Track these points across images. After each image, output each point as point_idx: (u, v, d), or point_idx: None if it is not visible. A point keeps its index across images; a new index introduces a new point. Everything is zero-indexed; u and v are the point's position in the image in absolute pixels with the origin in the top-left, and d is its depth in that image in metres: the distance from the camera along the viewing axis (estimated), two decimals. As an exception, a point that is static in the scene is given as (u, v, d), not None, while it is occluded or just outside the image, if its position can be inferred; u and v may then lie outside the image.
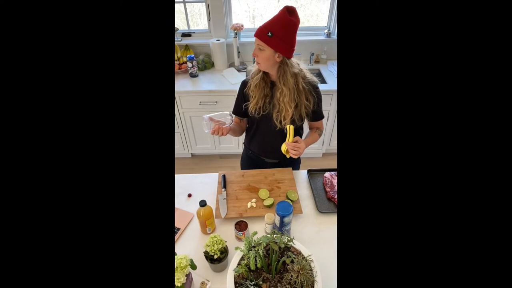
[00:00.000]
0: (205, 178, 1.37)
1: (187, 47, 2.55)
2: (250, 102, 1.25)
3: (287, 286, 0.81)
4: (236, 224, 1.08)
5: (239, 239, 1.08)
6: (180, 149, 2.67)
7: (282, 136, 1.22)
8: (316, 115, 1.29)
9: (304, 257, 0.86)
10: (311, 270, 0.83)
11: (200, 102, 2.32)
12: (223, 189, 1.26)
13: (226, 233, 1.10)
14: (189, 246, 1.08)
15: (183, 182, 1.34)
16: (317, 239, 1.10)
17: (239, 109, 1.32)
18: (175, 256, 0.85)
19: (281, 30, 1.07)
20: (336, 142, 2.58)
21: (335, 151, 2.66)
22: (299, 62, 1.21)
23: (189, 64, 2.37)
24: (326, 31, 2.59)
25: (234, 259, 0.89)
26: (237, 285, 0.83)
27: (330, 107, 2.39)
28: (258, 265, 0.86)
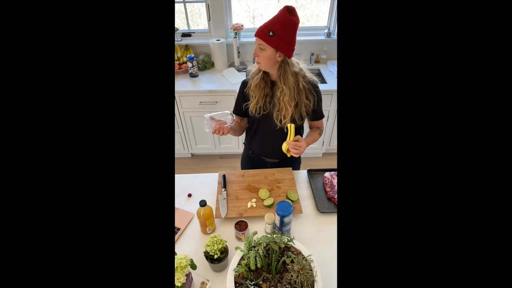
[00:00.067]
0: (205, 178, 1.37)
1: (187, 47, 2.55)
2: (250, 102, 1.25)
3: (287, 286, 0.81)
4: (236, 224, 1.08)
5: (239, 239, 1.08)
6: (180, 149, 2.67)
7: (283, 136, 1.22)
8: (316, 114, 1.29)
9: (304, 257, 0.87)
10: (311, 270, 0.84)
11: (200, 102, 2.32)
12: (223, 189, 1.26)
13: (226, 233, 1.11)
14: (189, 246, 1.08)
15: (183, 182, 1.34)
16: (317, 239, 1.10)
17: (240, 109, 1.32)
18: (175, 256, 0.85)
19: (282, 30, 1.08)
20: (336, 142, 2.58)
21: (335, 151, 2.66)
22: (299, 62, 1.21)
23: (189, 64, 2.37)
24: (326, 31, 2.59)
25: (234, 259, 0.89)
26: (237, 285, 0.83)
27: (330, 107, 2.39)
28: (258, 265, 0.86)
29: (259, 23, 2.76)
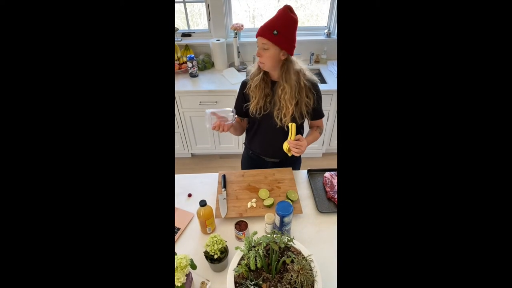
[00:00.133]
0: (205, 178, 1.37)
1: (187, 47, 2.55)
2: (250, 103, 1.26)
3: (287, 286, 0.81)
4: (236, 224, 1.08)
5: (239, 239, 1.08)
6: (180, 149, 2.67)
7: (283, 135, 1.22)
8: (316, 113, 1.30)
9: (304, 257, 0.87)
10: (311, 270, 0.84)
11: (200, 102, 2.32)
12: (223, 189, 1.26)
13: (226, 233, 1.11)
14: (189, 246, 1.08)
15: (183, 182, 1.34)
16: (317, 239, 1.10)
17: (240, 109, 1.32)
18: (175, 256, 0.85)
19: (285, 28, 1.10)
20: (336, 142, 2.58)
21: (335, 151, 2.66)
22: (298, 61, 1.22)
23: (189, 64, 2.37)
24: (326, 31, 2.59)
25: (234, 259, 0.89)
26: (237, 285, 0.83)
27: (330, 107, 2.39)
28: (258, 265, 0.86)
29: (259, 23, 2.76)
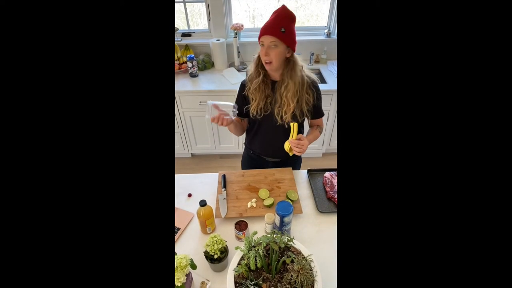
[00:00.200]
0: (205, 178, 1.37)
1: (187, 47, 2.55)
2: (251, 105, 1.25)
3: (287, 286, 0.81)
4: (236, 224, 1.08)
5: (239, 239, 1.08)
6: (180, 149, 2.67)
7: (284, 135, 1.22)
8: (316, 111, 1.30)
9: (304, 257, 0.87)
10: (311, 270, 0.84)
11: (200, 102, 2.32)
12: (223, 189, 1.26)
13: (226, 233, 1.11)
14: (189, 246, 1.08)
15: (183, 182, 1.34)
16: (317, 239, 1.10)
17: (240, 110, 1.31)
18: (175, 256, 0.85)
19: (289, 25, 1.12)
20: (336, 142, 2.58)
21: (335, 151, 2.66)
22: (299, 58, 1.23)
23: (189, 64, 2.37)
24: (326, 31, 2.59)
25: (234, 259, 0.89)
26: (237, 284, 0.83)
27: (330, 107, 2.39)
28: (258, 265, 0.86)
29: (259, 23, 2.77)
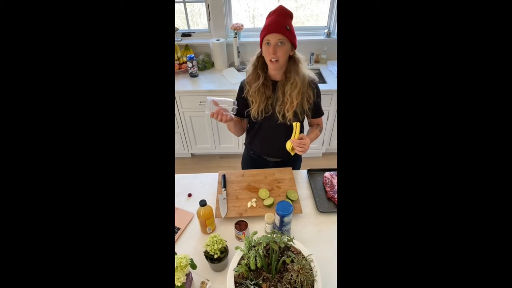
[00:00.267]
0: (205, 178, 1.37)
1: (187, 47, 2.55)
2: (251, 108, 1.25)
3: (287, 285, 0.81)
4: (236, 223, 1.08)
5: (239, 238, 1.08)
6: (180, 149, 2.67)
7: (285, 134, 1.22)
8: (317, 109, 1.31)
9: (304, 257, 0.87)
10: (311, 270, 0.84)
11: (200, 102, 2.33)
12: (223, 189, 1.26)
13: (226, 232, 1.11)
14: (189, 245, 1.08)
15: (183, 182, 1.34)
16: (317, 239, 1.10)
17: (240, 111, 1.30)
18: (175, 256, 0.86)
19: (291, 23, 1.14)
20: (336, 142, 2.58)
21: (335, 151, 2.66)
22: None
23: (189, 64, 2.37)
24: (326, 31, 2.59)
25: (234, 258, 0.89)
26: (237, 284, 0.83)
27: (330, 107, 2.39)
28: (258, 265, 0.86)
29: (259, 23, 2.77)
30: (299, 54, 1.22)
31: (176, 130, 2.51)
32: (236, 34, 2.42)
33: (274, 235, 0.88)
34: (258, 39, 1.19)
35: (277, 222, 1.04)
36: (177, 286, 0.82)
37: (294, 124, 1.13)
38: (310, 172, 1.39)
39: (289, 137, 1.15)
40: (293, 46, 1.16)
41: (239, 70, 2.49)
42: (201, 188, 1.31)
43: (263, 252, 0.86)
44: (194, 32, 2.63)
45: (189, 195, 1.28)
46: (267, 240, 0.87)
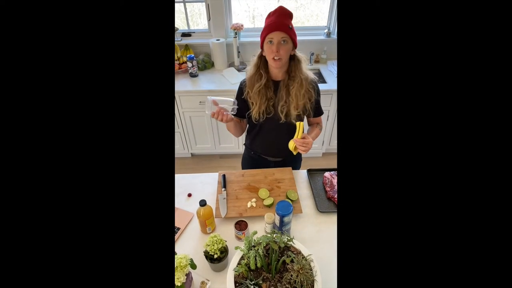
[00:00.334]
0: (205, 178, 1.37)
1: (187, 47, 2.55)
2: (252, 110, 1.25)
3: (287, 285, 0.81)
4: (236, 223, 1.08)
5: (239, 238, 1.08)
6: (180, 149, 2.67)
7: (286, 133, 1.22)
8: (317, 107, 1.31)
9: (304, 257, 0.87)
10: (311, 270, 0.84)
11: (200, 102, 2.33)
12: (223, 189, 1.26)
13: (226, 232, 1.11)
14: (189, 245, 1.08)
15: (183, 182, 1.34)
16: (317, 239, 1.10)
17: (240, 113, 1.30)
18: (175, 256, 0.86)
19: (291, 23, 1.14)
20: (336, 142, 2.58)
21: (335, 151, 2.66)
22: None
23: (189, 64, 2.37)
24: (326, 31, 2.59)
25: (234, 258, 0.89)
26: (237, 284, 0.83)
27: (330, 107, 2.39)
28: (258, 265, 0.86)
29: (259, 23, 2.77)
30: (299, 53, 1.22)
31: (176, 130, 2.51)
32: (236, 34, 2.42)
33: (274, 235, 0.88)
34: (258, 39, 1.19)
35: (277, 222, 1.05)
36: (177, 286, 0.82)
37: (297, 123, 1.13)
38: (310, 172, 1.39)
39: (290, 137, 1.15)
40: (294, 45, 1.17)
41: (239, 70, 2.49)
42: (201, 188, 1.32)
43: (263, 252, 0.86)
44: (194, 32, 2.63)
45: (189, 195, 1.28)
46: (267, 240, 0.87)
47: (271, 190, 1.26)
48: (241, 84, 1.30)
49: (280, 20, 1.11)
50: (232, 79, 2.36)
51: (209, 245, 0.93)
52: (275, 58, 1.13)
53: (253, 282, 0.82)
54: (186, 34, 2.62)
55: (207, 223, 1.08)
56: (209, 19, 2.51)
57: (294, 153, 1.18)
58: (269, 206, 1.18)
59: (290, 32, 1.12)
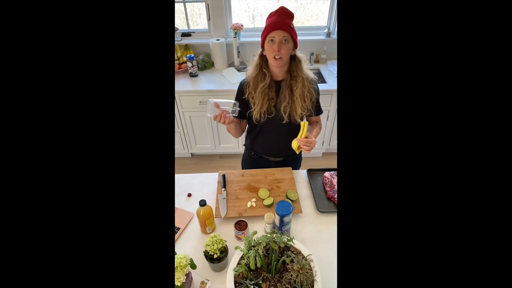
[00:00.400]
0: (205, 178, 1.37)
1: (187, 47, 2.55)
2: (253, 110, 1.24)
3: (286, 285, 0.81)
4: (236, 223, 1.08)
5: (239, 238, 1.08)
6: (180, 149, 2.67)
7: (289, 134, 1.22)
8: (317, 106, 1.32)
9: (304, 257, 0.87)
10: (311, 270, 0.84)
11: (200, 102, 2.33)
12: (223, 189, 1.26)
13: (226, 232, 1.11)
14: (189, 245, 1.08)
15: (183, 182, 1.34)
16: (317, 239, 1.10)
17: (240, 113, 1.29)
18: (175, 256, 0.86)
19: (292, 23, 1.15)
20: (336, 142, 2.58)
21: (335, 151, 2.66)
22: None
23: (189, 64, 2.37)
24: (326, 30, 2.59)
25: (234, 258, 0.89)
26: (237, 284, 0.83)
27: (330, 107, 2.39)
28: (258, 265, 0.86)
29: (259, 23, 2.77)
30: (299, 53, 1.23)
31: (176, 130, 2.51)
32: (236, 34, 2.42)
33: (274, 235, 0.88)
34: (258, 39, 1.19)
35: (277, 222, 1.05)
36: (177, 286, 0.82)
37: (302, 123, 1.13)
38: (310, 172, 1.39)
39: (292, 136, 1.16)
40: (295, 45, 1.17)
41: (239, 70, 2.49)
42: (201, 188, 1.32)
43: (263, 252, 0.86)
44: (194, 32, 2.63)
45: (189, 195, 1.28)
46: (267, 240, 0.87)
47: (271, 190, 1.26)
48: (241, 84, 1.29)
49: (281, 20, 1.11)
50: (232, 79, 2.36)
51: (209, 245, 0.93)
52: (276, 57, 1.13)
53: (253, 282, 0.82)
54: (186, 34, 2.62)
55: (207, 223, 1.08)
56: (209, 19, 2.51)
57: (297, 152, 1.18)
58: (269, 206, 1.18)
59: (291, 31, 1.12)
